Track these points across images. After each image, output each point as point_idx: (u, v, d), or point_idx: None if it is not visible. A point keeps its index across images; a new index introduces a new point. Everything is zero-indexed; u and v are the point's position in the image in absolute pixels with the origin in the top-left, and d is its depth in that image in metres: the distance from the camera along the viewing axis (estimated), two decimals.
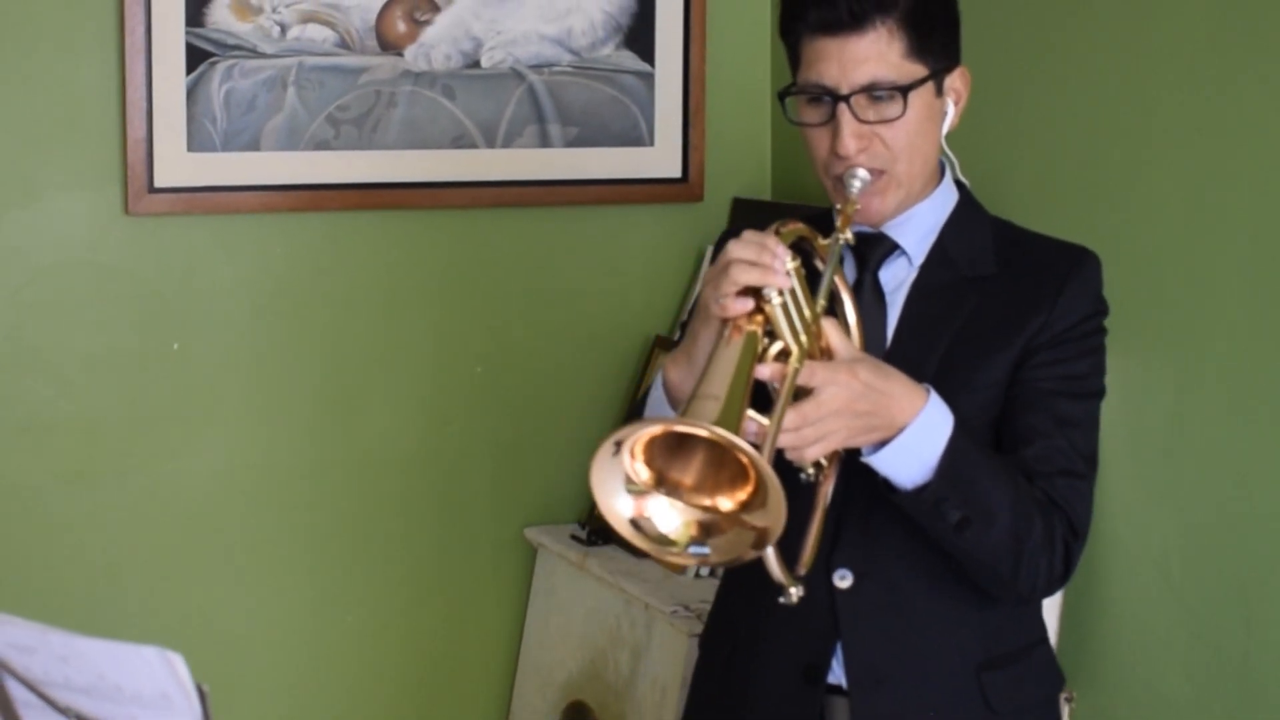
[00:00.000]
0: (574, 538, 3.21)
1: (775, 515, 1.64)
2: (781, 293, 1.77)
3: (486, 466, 3.30)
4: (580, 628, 3.13)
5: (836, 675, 2.01)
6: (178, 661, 1.37)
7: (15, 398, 3.01)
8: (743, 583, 2.10)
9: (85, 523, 3.07)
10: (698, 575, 3.02)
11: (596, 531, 3.19)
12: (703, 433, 1.62)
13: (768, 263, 1.77)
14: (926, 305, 2.00)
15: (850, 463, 1.90)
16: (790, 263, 1.79)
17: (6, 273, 2.99)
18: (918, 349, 1.96)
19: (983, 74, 2.75)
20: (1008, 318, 1.97)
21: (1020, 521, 1.88)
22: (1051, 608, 2.59)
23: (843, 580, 1.98)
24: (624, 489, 1.69)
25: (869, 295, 2.00)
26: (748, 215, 3.31)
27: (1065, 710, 2.61)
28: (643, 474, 1.69)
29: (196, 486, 3.13)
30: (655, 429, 1.66)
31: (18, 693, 1.45)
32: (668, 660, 2.84)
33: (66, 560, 3.06)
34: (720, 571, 2.24)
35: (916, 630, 1.99)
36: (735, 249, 1.80)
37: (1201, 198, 2.40)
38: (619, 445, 1.66)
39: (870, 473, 1.88)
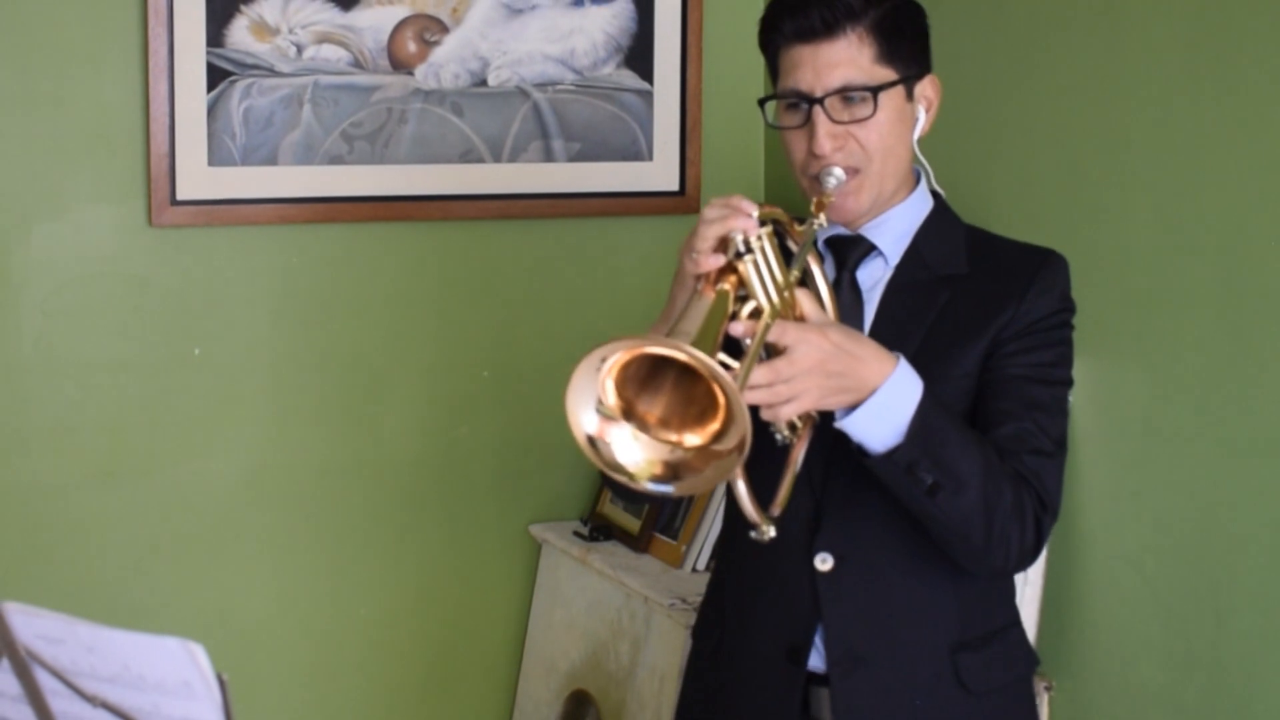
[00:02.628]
0: (576, 534, 3.21)
1: (742, 427, 1.63)
2: (751, 249, 1.77)
3: (493, 466, 3.31)
4: (582, 620, 3.13)
5: (818, 660, 2.01)
6: (199, 652, 1.37)
7: (44, 400, 3.01)
8: (730, 574, 2.12)
9: (110, 520, 3.07)
10: (694, 570, 3.02)
11: (598, 528, 3.20)
12: (678, 354, 1.62)
13: (735, 211, 1.79)
14: (901, 302, 2.01)
15: (831, 450, 1.90)
16: (761, 228, 1.80)
17: (36, 282, 2.99)
18: (893, 342, 1.96)
19: (964, 87, 2.76)
20: (978, 312, 1.98)
21: (990, 489, 1.88)
22: (1030, 600, 2.60)
23: (824, 563, 1.99)
24: (593, 407, 1.69)
25: (847, 293, 2.02)
26: None
27: (1044, 699, 2.61)
28: (611, 399, 1.69)
29: (217, 485, 3.13)
30: (634, 348, 1.65)
31: (47, 682, 1.45)
32: (666, 651, 2.85)
33: (92, 555, 3.07)
34: (711, 566, 2.25)
35: (894, 612, 2.00)
36: (706, 211, 1.82)
37: (1173, 207, 2.41)
38: (603, 361, 1.66)
39: (848, 453, 1.88)
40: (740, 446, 1.65)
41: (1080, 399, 2.05)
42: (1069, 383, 2.02)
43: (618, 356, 1.66)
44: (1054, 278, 2.00)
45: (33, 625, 1.42)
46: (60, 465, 3.03)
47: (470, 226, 3.23)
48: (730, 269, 1.78)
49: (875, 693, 1.99)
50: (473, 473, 3.29)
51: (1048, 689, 2.62)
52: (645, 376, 1.69)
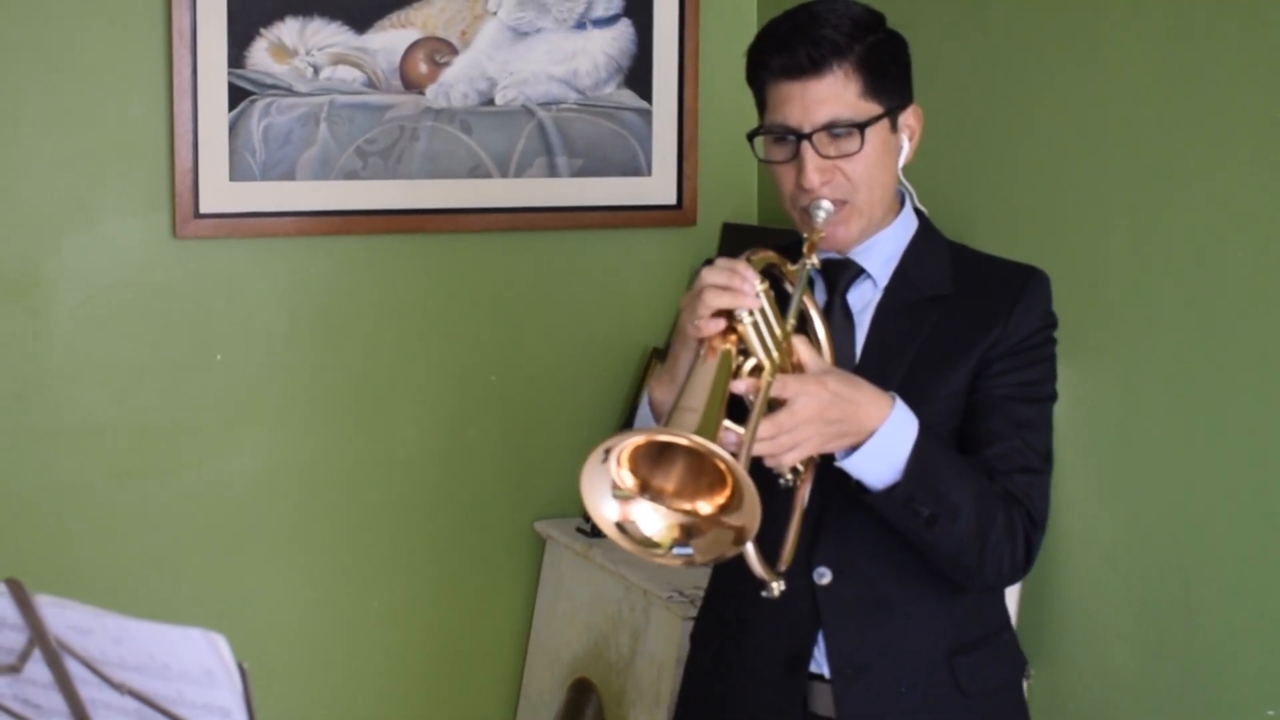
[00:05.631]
0: (579, 530, 3.21)
1: (751, 515, 1.63)
2: (752, 313, 1.76)
3: (500, 466, 3.31)
4: (585, 612, 3.13)
5: (819, 665, 2.00)
6: (220, 642, 1.37)
7: (73, 403, 3.01)
8: (731, 582, 2.08)
9: (136, 517, 3.07)
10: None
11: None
12: (683, 441, 1.61)
13: (738, 286, 1.77)
14: (891, 324, 1.99)
15: (827, 471, 1.88)
16: (759, 285, 1.78)
17: (66, 290, 2.99)
18: (884, 364, 1.95)
19: (950, 112, 2.77)
20: (966, 333, 1.96)
21: (983, 515, 1.87)
22: (1011, 595, 2.59)
23: (822, 578, 1.97)
24: (610, 495, 1.67)
25: (838, 316, 1.99)
26: (736, 238, 3.31)
27: (1024, 687, 2.61)
28: (628, 481, 1.67)
29: (236, 485, 3.13)
30: (640, 438, 1.64)
31: (76, 670, 1.45)
32: (664, 641, 2.85)
33: (119, 551, 3.07)
34: (711, 567, 2.24)
35: (891, 621, 1.98)
36: (708, 275, 1.79)
37: (1145, 221, 2.41)
38: (608, 453, 1.65)
39: (844, 477, 1.87)
40: (741, 535, 1.65)
41: (1058, 403, 2.05)
42: (1054, 398, 2.01)
43: (624, 446, 1.65)
44: (1037, 297, 1.98)
45: (63, 617, 1.42)
46: (87, 464, 3.03)
47: (478, 238, 3.23)
48: (730, 328, 1.77)
49: (876, 696, 1.98)
50: (480, 472, 3.29)
51: (1027, 678, 2.62)
52: (657, 453, 1.67)
